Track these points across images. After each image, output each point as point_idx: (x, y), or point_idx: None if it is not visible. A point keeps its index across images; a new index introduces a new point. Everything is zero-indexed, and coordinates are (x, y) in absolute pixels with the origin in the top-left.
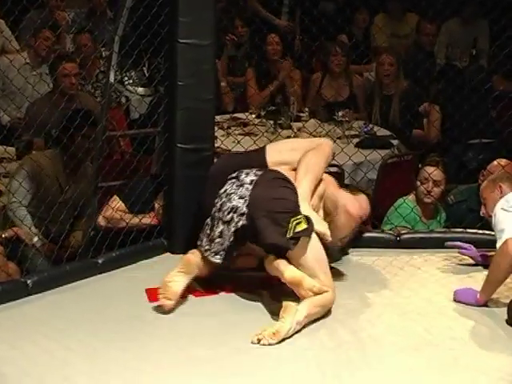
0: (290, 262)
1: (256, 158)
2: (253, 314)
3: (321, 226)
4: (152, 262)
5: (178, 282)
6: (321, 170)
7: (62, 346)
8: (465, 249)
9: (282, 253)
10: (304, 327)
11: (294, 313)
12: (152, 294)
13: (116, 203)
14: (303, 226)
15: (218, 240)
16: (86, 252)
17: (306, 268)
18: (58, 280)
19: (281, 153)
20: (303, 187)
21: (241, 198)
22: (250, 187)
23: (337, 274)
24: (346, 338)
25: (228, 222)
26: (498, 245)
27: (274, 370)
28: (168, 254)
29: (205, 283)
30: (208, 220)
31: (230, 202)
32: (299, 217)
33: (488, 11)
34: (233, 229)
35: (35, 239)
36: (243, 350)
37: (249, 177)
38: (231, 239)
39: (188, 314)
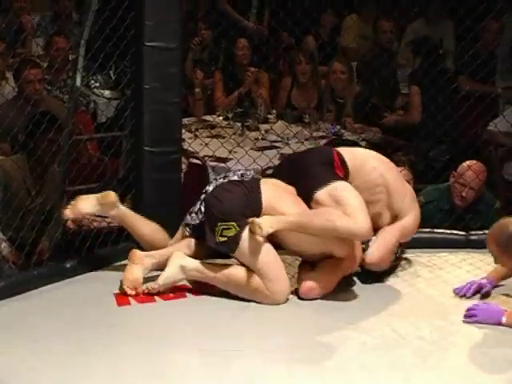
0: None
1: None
2: (222, 316)
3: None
4: (120, 265)
5: (135, 270)
6: (323, 229)
7: (29, 351)
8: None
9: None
10: (266, 329)
11: (175, 261)
12: (120, 299)
13: None
14: (231, 232)
15: (193, 215)
16: (54, 256)
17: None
18: (26, 285)
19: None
20: (294, 216)
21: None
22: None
23: None
24: (313, 337)
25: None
26: None
27: (245, 372)
28: None
29: (175, 287)
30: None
31: (209, 185)
32: (230, 223)
33: (452, 11)
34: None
35: (3, 245)
36: (213, 352)
37: (236, 175)
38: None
39: (158, 317)
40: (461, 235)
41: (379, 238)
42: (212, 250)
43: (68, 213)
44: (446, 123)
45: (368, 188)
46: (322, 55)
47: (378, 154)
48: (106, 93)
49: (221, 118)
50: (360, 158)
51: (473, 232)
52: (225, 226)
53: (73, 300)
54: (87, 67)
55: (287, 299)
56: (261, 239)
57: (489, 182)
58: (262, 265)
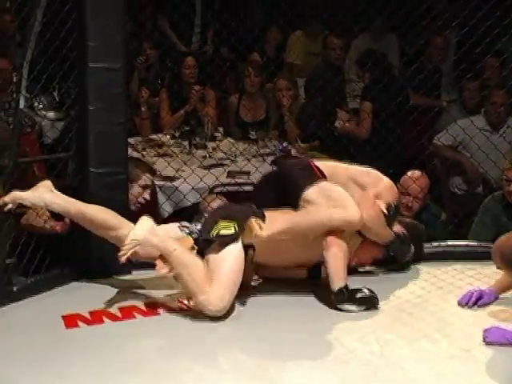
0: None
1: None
2: (173, 337)
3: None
4: (68, 288)
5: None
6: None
7: None
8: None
9: (201, 247)
10: (217, 345)
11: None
12: (69, 321)
13: None
14: (230, 231)
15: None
16: (0, 280)
17: (209, 265)
18: None
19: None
20: (287, 218)
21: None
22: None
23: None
24: (262, 354)
25: None
26: None
27: None
28: (85, 279)
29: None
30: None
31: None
32: (230, 223)
33: (396, 26)
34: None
35: None
36: (163, 374)
37: None
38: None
39: (106, 339)
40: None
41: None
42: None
43: (6, 198)
44: (393, 136)
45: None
46: (267, 72)
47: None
48: (51, 114)
49: (168, 136)
50: (331, 168)
51: None
52: (224, 225)
53: (20, 324)
54: (31, 89)
55: (219, 317)
56: (241, 254)
57: (434, 194)
58: (226, 271)
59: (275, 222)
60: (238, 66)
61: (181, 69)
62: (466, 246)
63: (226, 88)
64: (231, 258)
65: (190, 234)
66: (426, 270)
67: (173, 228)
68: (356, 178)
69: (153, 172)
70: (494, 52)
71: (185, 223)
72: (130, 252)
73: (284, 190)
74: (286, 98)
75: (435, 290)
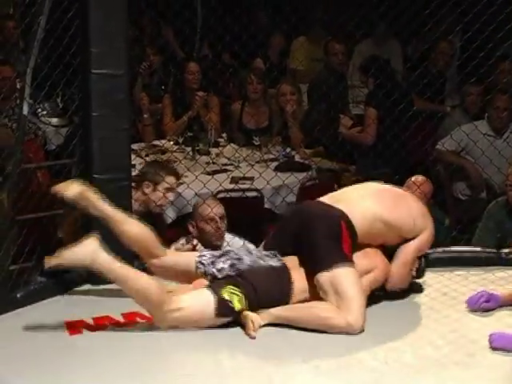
0: None
1: None
2: (175, 343)
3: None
4: (71, 294)
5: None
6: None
7: None
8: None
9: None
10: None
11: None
12: (72, 327)
13: None
14: (234, 298)
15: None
16: (4, 286)
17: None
18: None
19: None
20: (287, 311)
21: (251, 261)
22: (264, 263)
23: None
24: (264, 362)
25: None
26: None
27: None
28: (88, 285)
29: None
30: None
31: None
32: (241, 292)
33: (399, 32)
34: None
35: None
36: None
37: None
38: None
39: (109, 344)
40: None
41: (396, 260)
42: None
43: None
44: (396, 142)
45: (371, 236)
46: (270, 78)
47: (378, 193)
48: (54, 120)
49: (171, 142)
50: (369, 221)
51: None
52: (235, 291)
53: (24, 330)
54: (34, 95)
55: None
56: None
57: (438, 200)
58: (198, 309)
59: (274, 311)
60: (239, 72)
61: (184, 75)
62: (470, 251)
63: (229, 94)
64: (213, 308)
65: (205, 273)
66: (429, 275)
67: (190, 260)
68: (397, 230)
69: (177, 175)
70: (502, 56)
71: (204, 257)
72: (55, 263)
73: (302, 249)
74: (290, 102)
75: (439, 296)
